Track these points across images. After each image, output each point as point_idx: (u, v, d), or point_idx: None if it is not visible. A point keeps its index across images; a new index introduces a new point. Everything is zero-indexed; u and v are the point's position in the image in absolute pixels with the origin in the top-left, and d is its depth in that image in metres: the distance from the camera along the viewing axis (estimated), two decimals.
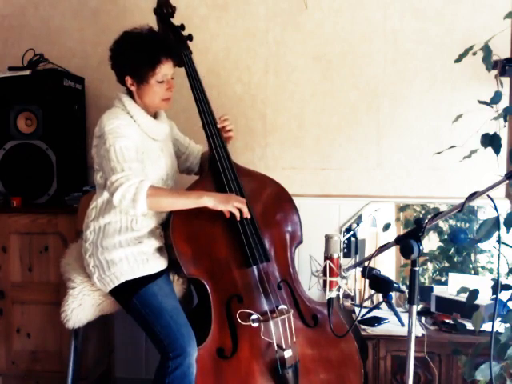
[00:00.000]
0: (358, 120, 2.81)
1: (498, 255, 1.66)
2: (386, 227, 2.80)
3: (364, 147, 2.81)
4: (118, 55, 2.11)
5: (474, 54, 2.08)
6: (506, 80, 2.44)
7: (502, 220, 1.98)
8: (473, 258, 2.77)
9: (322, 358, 2.14)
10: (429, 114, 2.76)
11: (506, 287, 2.07)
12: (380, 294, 2.70)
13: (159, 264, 2.10)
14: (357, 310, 2.68)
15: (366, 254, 2.76)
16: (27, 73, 2.59)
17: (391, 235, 2.76)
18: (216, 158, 2.18)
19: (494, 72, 2.15)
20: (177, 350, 1.94)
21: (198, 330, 2.01)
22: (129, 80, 2.10)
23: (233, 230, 2.10)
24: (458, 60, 2.12)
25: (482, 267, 2.74)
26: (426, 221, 1.61)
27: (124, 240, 2.08)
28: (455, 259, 2.78)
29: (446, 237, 2.79)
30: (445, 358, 2.40)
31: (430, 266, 2.82)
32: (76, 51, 2.89)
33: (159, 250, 2.13)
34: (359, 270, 1.99)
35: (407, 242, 1.57)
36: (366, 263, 1.73)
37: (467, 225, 2.77)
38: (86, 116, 2.87)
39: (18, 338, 2.61)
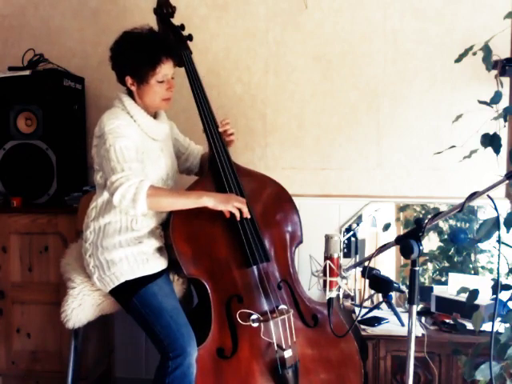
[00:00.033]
0: (358, 120, 2.81)
1: (498, 255, 1.66)
2: (386, 227, 2.80)
3: (364, 147, 2.81)
4: (118, 55, 2.11)
5: (474, 54, 2.08)
6: (506, 80, 2.44)
7: (502, 220, 1.98)
8: (473, 258, 2.77)
9: (322, 358, 2.14)
10: (429, 114, 2.76)
11: (506, 287, 2.07)
12: (380, 294, 2.70)
13: (159, 264, 2.10)
14: (357, 310, 2.68)
15: (366, 254, 2.76)
16: (27, 73, 2.59)
17: (391, 235, 2.76)
18: (216, 158, 2.18)
19: (494, 72, 2.15)
20: (177, 350, 1.94)
21: (198, 330, 2.01)
22: (129, 80, 2.10)
23: (233, 230, 2.10)
24: (457, 60, 2.12)
25: (482, 267, 2.74)
26: (426, 221, 1.61)
27: (124, 240, 2.07)
28: (455, 259, 2.78)
29: (446, 237, 2.79)
30: (445, 357, 2.40)
31: (430, 266, 2.82)
32: (76, 51, 2.89)
33: (159, 250, 2.13)
34: (359, 270, 1.99)
35: (407, 242, 1.57)
36: (366, 263, 1.73)
37: (467, 225, 2.77)
38: (86, 116, 2.86)
39: (17, 337, 2.61)
